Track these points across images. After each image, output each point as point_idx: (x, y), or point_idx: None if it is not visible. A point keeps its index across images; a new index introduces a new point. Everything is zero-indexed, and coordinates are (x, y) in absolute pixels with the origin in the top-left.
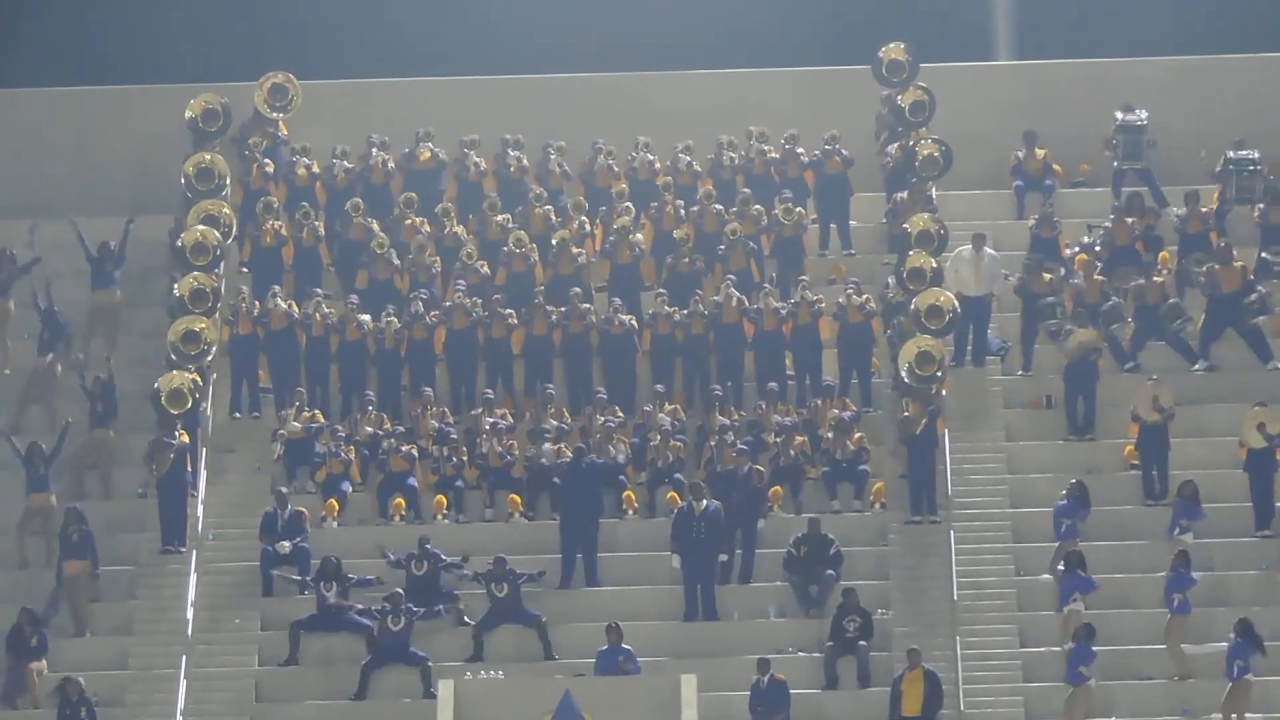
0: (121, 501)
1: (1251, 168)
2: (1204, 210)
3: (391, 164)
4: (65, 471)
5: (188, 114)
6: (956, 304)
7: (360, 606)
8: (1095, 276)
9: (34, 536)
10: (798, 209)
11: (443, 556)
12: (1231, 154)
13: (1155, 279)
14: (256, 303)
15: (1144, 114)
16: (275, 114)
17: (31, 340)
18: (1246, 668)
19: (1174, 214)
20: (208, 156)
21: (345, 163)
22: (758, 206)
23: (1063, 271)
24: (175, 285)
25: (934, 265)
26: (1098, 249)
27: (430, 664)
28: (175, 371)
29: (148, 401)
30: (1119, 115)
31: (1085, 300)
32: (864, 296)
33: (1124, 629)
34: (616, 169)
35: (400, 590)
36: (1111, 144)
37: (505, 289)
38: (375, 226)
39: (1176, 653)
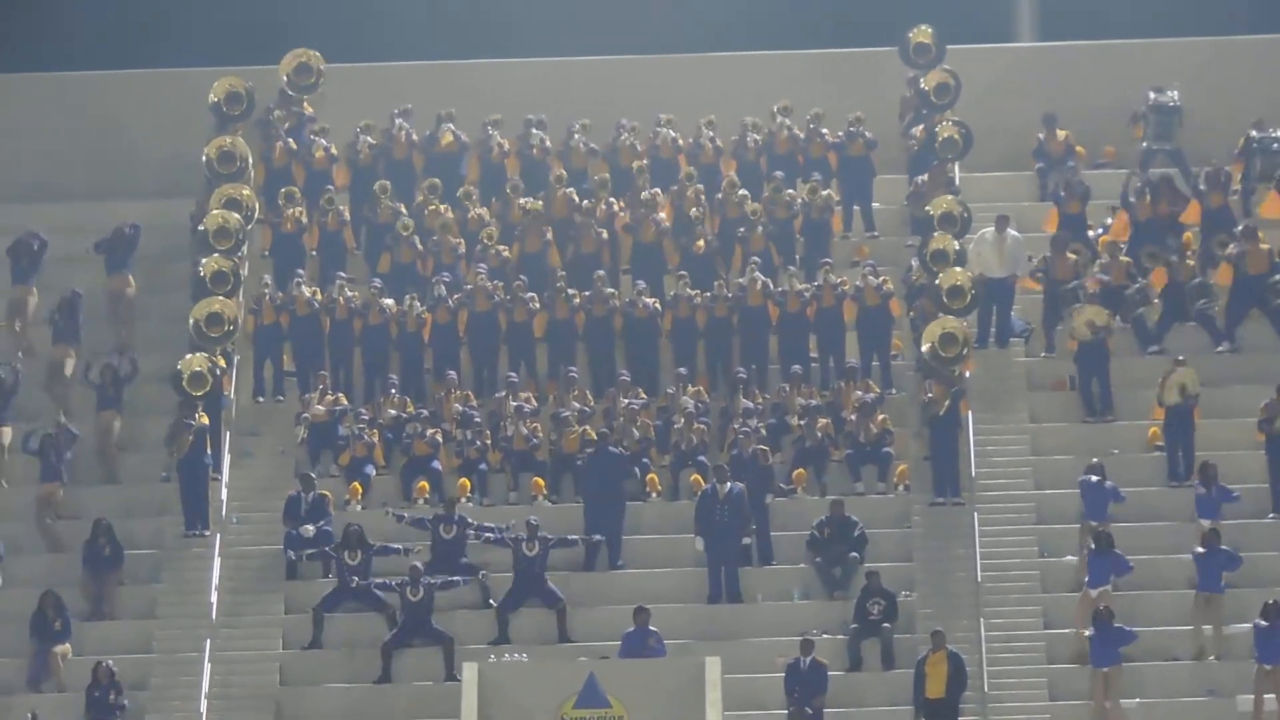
0: (145, 485)
1: (1275, 145)
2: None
3: (416, 136)
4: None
5: (211, 97)
6: (978, 285)
7: (380, 580)
8: (1121, 258)
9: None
10: (825, 191)
11: (470, 521)
12: (1254, 133)
13: (1188, 261)
14: (279, 292)
15: (1176, 95)
16: (300, 93)
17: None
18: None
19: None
20: (229, 140)
21: (369, 139)
22: (790, 191)
23: (1088, 255)
24: (199, 266)
25: (957, 247)
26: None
27: (454, 643)
28: (195, 354)
29: (168, 385)
30: (1151, 95)
31: (1112, 281)
32: (881, 278)
33: (1149, 610)
34: (639, 147)
35: (419, 565)
36: (1141, 122)
37: (520, 267)
38: (403, 209)
39: (1201, 633)
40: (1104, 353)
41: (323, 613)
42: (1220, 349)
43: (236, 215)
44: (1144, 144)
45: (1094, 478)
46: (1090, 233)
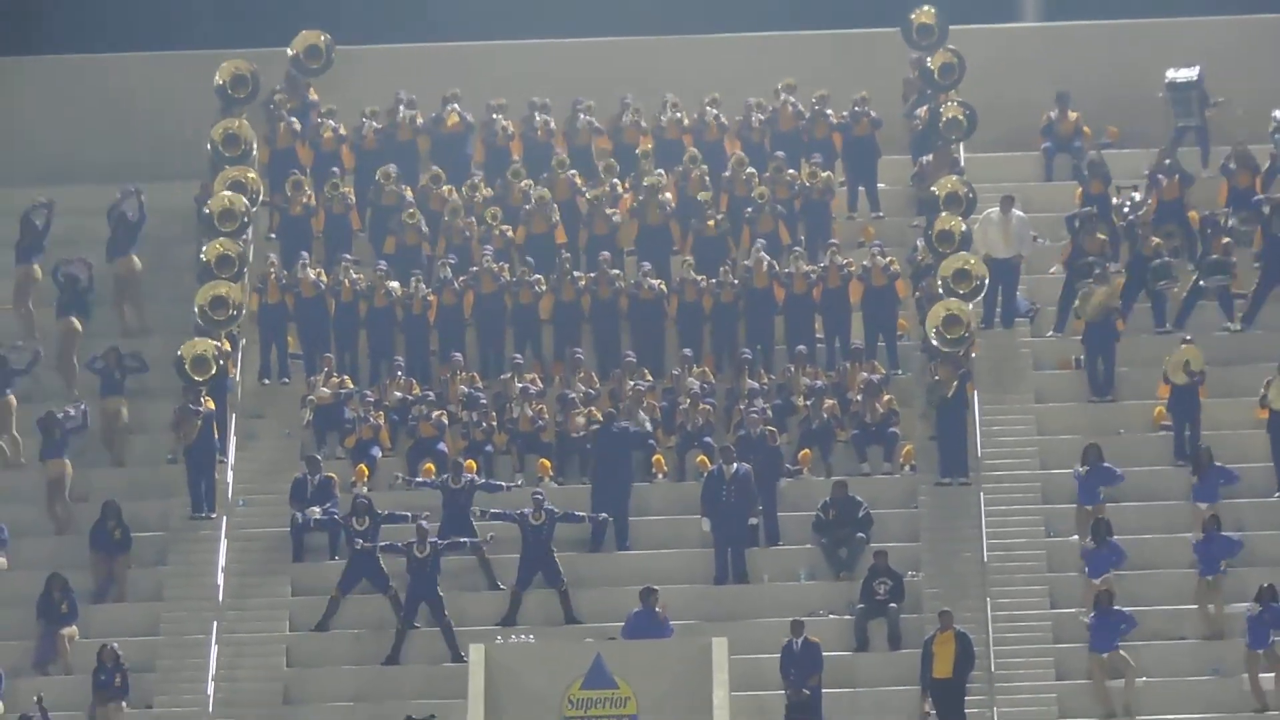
0: (150, 468)
1: None
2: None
3: (420, 120)
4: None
5: (216, 80)
6: (985, 270)
7: (387, 543)
8: (1153, 239)
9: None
10: (825, 173)
11: (477, 479)
12: (1278, 114)
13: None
14: (285, 272)
15: (1192, 71)
16: (306, 76)
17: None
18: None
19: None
20: (235, 123)
21: (374, 123)
22: (791, 171)
23: (1113, 237)
24: (202, 250)
25: (963, 228)
26: (1129, 206)
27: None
28: (199, 338)
29: (173, 368)
30: (1168, 74)
31: (1141, 251)
32: (888, 258)
33: (1152, 590)
34: (644, 125)
35: (425, 524)
36: (1167, 103)
37: (526, 249)
38: (408, 194)
39: (1207, 613)
40: (1113, 332)
41: (342, 593)
42: (1228, 326)
43: (242, 197)
44: (1176, 123)
45: (1081, 468)
46: (1120, 200)
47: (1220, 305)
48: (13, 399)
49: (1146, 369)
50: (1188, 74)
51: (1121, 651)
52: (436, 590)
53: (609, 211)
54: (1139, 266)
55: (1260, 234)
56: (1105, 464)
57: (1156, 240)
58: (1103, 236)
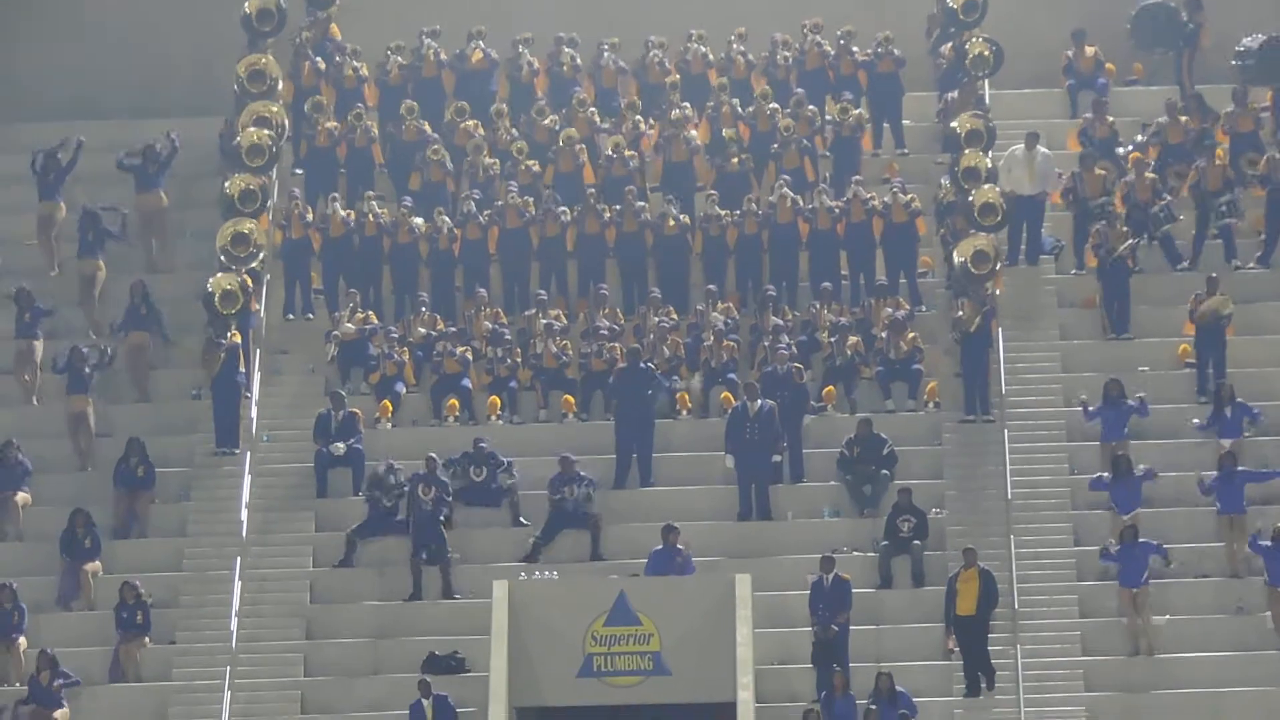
0: (175, 403)
1: None
2: (1254, 107)
3: (444, 55)
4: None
5: (244, 9)
6: (1003, 201)
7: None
8: (1147, 175)
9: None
10: (856, 110)
11: (500, 457)
12: None
13: (1215, 163)
14: (310, 208)
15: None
16: (317, 7)
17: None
18: None
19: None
20: (261, 58)
21: (399, 59)
22: (811, 108)
23: (1116, 172)
24: (225, 185)
25: (989, 165)
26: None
27: (451, 557)
28: (226, 273)
29: (199, 303)
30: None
31: (1137, 199)
32: (909, 195)
33: (1176, 528)
34: (669, 64)
35: (436, 457)
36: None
37: (554, 188)
38: (428, 128)
39: (1232, 551)
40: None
41: (355, 538)
42: (1235, 265)
43: (269, 132)
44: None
45: (1089, 407)
46: (1120, 150)
47: (1226, 245)
48: (39, 341)
49: (1167, 307)
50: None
51: (1149, 587)
52: (440, 532)
53: (628, 154)
54: (1138, 213)
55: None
56: (1127, 400)
57: (1151, 176)
58: (1101, 172)
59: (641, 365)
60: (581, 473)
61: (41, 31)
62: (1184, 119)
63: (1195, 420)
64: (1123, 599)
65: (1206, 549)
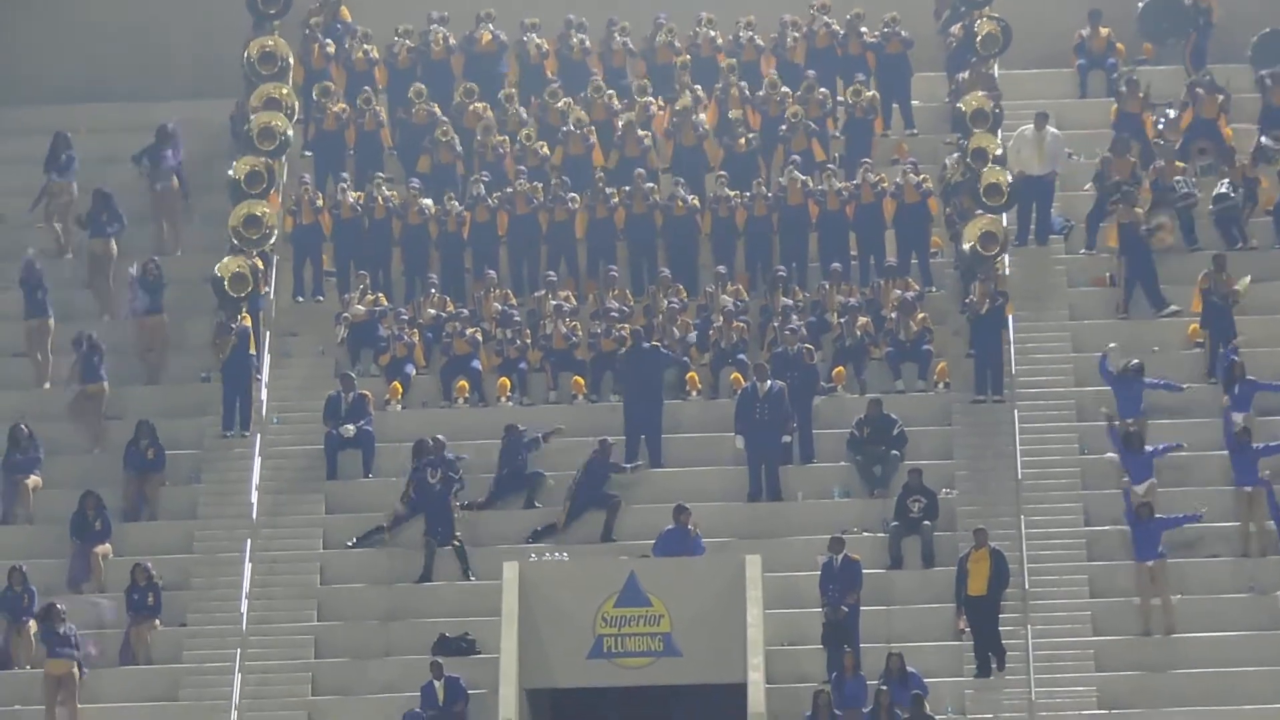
0: (185, 386)
1: None
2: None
3: (453, 40)
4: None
5: None
6: (1009, 179)
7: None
8: (1174, 164)
9: (82, 422)
10: (869, 92)
11: (525, 438)
12: None
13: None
14: (320, 193)
15: None
16: None
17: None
18: None
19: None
20: (271, 40)
21: (407, 42)
22: (823, 90)
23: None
24: (231, 168)
25: (999, 149)
26: (1164, 123)
27: (460, 543)
28: (235, 256)
29: (209, 286)
30: None
31: (1164, 181)
32: (921, 176)
33: (1188, 506)
34: (678, 45)
35: (441, 437)
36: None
37: (563, 170)
38: (437, 110)
39: (1248, 530)
40: (1148, 250)
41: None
42: (1195, 247)
43: (281, 115)
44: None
45: (1108, 363)
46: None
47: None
48: (51, 321)
49: (1179, 286)
50: None
51: (1167, 564)
52: (449, 512)
53: (641, 134)
54: (1162, 192)
55: None
56: (1148, 379)
57: (1180, 164)
58: (1134, 160)
59: (646, 345)
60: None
61: (46, 14)
62: (1201, 91)
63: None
64: (1139, 574)
65: (1217, 529)
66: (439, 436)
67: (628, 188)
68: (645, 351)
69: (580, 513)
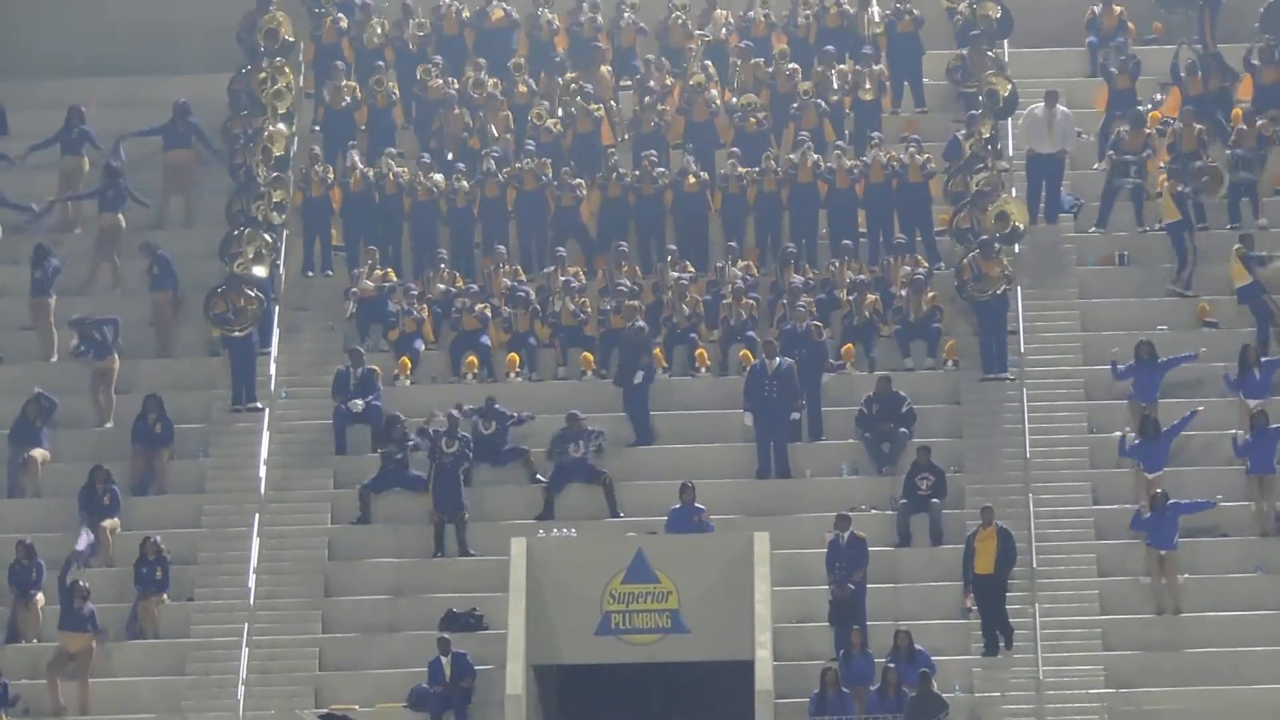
0: (193, 360)
1: None
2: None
3: (466, 13)
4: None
5: None
6: (1026, 216)
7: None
8: (1195, 125)
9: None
10: (877, 65)
11: (509, 414)
12: None
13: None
14: (330, 168)
15: None
16: None
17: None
18: None
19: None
20: (277, 17)
21: (419, 17)
22: (840, 66)
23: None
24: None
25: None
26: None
27: (466, 517)
28: (245, 229)
29: (218, 260)
30: None
31: (1183, 149)
32: (925, 155)
33: (1199, 488)
34: (691, 27)
35: (455, 412)
36: None
37: (572, 150)
38: (453, 85)
39: (1262, 510)
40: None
41: (369, 492)
42: (1203, 226)
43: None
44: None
45: (1119, 365)
46: (1140, 108)
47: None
48: (52, 299)
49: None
50: None
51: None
52: (458, 486)
53: (660, 108)
54: (1181, 163)
55: None
56: (1161, 359)
57: (1199, 126)
58: (1149, 131)
59: (628, 326)
60: (590, 428)
61: None
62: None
63: (1228, 375)
64: (1150, 560)
65: (1227, 508)
66: (454, 410)
67: (638, 171)
68: (627, 332)
69: (561, 485)
